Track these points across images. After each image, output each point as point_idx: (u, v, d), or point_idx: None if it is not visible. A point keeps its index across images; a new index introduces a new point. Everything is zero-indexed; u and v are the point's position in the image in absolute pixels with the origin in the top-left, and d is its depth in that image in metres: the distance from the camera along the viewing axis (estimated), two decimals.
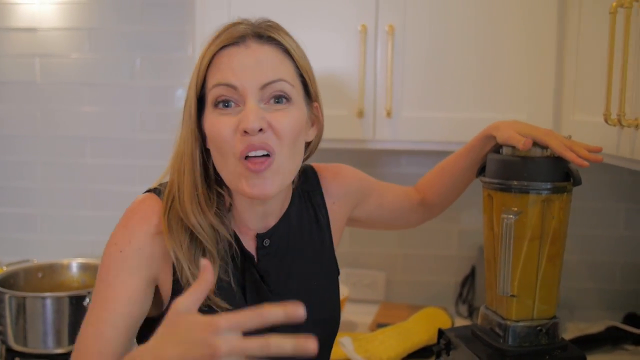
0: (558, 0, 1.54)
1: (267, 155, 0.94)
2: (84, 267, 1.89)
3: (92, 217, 2.16)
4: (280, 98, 0.95)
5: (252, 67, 0.94)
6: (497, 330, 1.19)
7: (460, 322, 1.83)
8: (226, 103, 0.94)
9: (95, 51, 2.11)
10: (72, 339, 1.63)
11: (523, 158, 1.14)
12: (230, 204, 1.04)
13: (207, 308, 0.96)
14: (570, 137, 1.19)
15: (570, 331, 1.78)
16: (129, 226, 0.97)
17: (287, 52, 0.98)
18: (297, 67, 0.99)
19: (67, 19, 2.11)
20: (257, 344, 0.66)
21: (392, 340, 1.56)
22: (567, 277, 1.96)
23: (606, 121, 1.13)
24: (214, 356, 0.65)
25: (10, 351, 1.67)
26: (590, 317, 1.90)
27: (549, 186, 1.13)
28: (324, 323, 1.11)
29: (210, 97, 0.96)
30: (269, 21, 1.01)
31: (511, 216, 1.12)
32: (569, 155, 1.09)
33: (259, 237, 1.05)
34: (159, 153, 2.10)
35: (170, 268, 0.98)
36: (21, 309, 1.61)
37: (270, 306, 0.67)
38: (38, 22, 2.12)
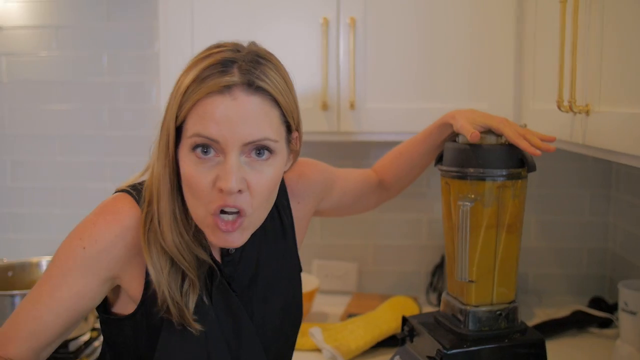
0: None
1: (238, 213, 0.92)
2: None
3: (62, 215, 2.15)
4: (262, 150, 0.92)
5: (237, 122, 0.89)
6: (458, 315, 1.21)
7: (429, 310, 1.84)
8: (205, 149, 0.90)
9: (62, 49, 2.10)
10: None
11: (478, 146, 1.16)
12: None
13: (181, 327, 0.96)
14: (525, 125, 1.22)
15: (537, 316, 1.82)
16: (97, 224, 0.95)
17: (274, 100, 0.93)
18: (283, 114, 0.95)
19: (33, 17, 2.10)
20: None
21: (360, 330, 1.57)
22: (534, 264, 1.99)
23: (559, 108, 1.15)
24: None
25: None
26: (558, 302, 1.93)
27: (504, 173, 1.15)
28: (288, 318, 1.14)
29: (190, 140, 0.91)
30: (260, 57, 0.94)
31: (467, 203, 1.14)
32: (522, 143, 1.11)
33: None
34: (128, 149, 2.10)
35: (140, 271, 0.97)
36: None
37: None
38: (3, 20, 2.11)
